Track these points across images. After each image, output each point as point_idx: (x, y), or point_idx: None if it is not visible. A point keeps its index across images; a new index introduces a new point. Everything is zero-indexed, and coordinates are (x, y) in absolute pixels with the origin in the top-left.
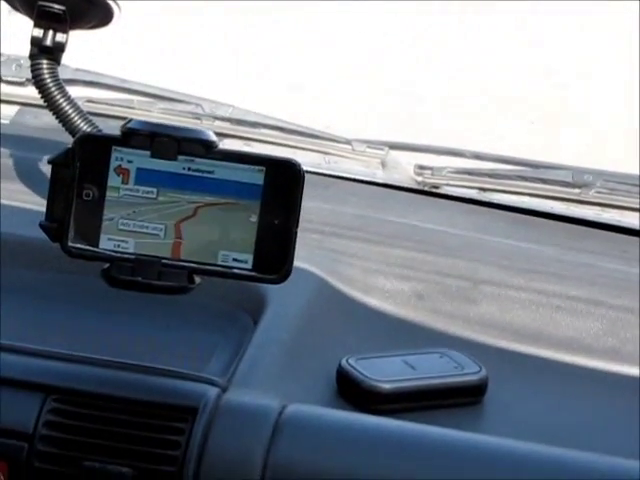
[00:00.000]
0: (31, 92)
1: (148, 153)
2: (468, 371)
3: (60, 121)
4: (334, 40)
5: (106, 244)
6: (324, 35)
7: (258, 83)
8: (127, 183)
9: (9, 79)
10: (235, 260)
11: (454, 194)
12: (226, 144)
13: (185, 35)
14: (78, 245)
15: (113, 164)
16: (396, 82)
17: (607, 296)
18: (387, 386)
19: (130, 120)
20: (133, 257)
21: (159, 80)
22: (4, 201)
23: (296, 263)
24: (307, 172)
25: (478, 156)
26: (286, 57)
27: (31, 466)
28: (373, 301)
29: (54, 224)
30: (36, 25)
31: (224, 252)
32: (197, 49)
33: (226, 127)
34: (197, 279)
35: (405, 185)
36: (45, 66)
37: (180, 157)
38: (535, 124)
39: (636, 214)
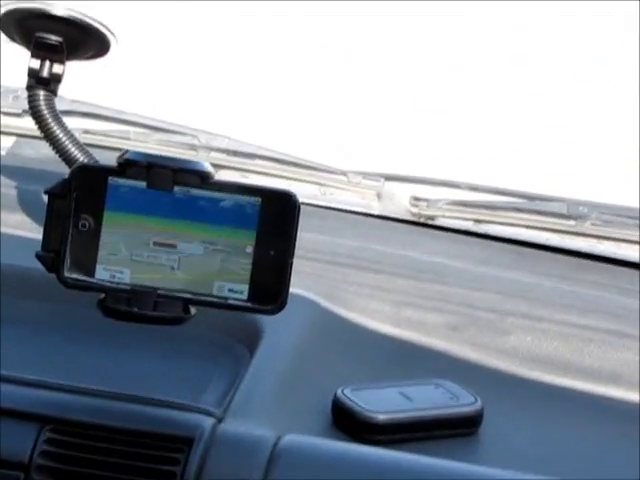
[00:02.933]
0: (28, 123)
1: (144, 184)
2: (463, 402)
3: (57, 152)
4: (326, 70)
5: (102, 274)
6: (315, 63)
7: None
8: None
9: (6, 110)
10: (230, 291)
11: (450, 226)
12: (222, 175)
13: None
14: (74, 275)
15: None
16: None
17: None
18: (382, 417)
19: (126, 151)
20: (129, 288)
21: (155, 111)
22: (1, 231)
23: (292, 293)
24: (303, 203)
25: (473, 188)
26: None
27: None
28: (370, 330)
29: (50, 254)
30: (33, 56)
31: (219, 283)
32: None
33: (222, 158)
34: (193, 310)
35: (401, 217)
36: (42, 97)
37: (176, 188)
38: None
39: (632, 246)
